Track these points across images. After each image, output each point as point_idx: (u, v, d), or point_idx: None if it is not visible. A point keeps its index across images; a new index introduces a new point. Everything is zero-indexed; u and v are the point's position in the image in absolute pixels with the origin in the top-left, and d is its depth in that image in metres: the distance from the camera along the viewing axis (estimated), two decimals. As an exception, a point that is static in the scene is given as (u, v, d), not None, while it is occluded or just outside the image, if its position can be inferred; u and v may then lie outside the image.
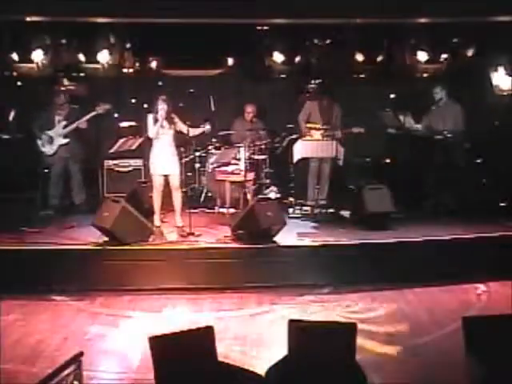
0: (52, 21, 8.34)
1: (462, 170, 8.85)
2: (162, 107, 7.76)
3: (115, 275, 7.06)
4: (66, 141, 8.80)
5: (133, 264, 7.12)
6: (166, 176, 7.94)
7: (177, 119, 7.89)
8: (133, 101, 9.71)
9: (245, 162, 8.60)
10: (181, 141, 8.23)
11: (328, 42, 9.40)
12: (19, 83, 9.57)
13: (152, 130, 7.81)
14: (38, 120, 8.89)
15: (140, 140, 8.68)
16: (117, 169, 9.65)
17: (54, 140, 8.77)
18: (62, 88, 9.38)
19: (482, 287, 7.09)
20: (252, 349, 5.65)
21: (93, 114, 8.72)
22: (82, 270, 7.06)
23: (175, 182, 7.96)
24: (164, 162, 7.87)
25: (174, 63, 9.56)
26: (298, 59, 9.61)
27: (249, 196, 8.85)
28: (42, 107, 9.05)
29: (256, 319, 6.38)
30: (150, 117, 7.83)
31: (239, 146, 8.85)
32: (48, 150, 8.80)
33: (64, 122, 8.80)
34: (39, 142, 8.81)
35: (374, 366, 4.93)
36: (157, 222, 8.07)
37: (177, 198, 8.00)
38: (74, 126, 8.75)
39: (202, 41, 8.93)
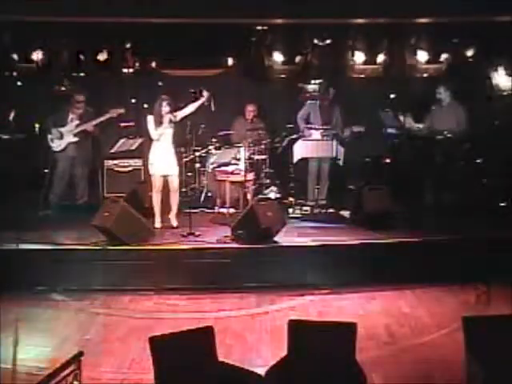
0: (52, 21, 8.34)
1: (462, 170, 8.85)
2: (164, 108, 7.75)
3: (115, 275, 7.07)
4: (75, 139, 8.81)
5: (133, 264, 7.12)
6: (165, 177, 7.94)
7: (177, 118, 7.89)
8: (133, 101, 9.71)
9: (245, 162, 8.60)
10: (181, 141, 8.23)
11: (328, 42, 9.41)
12: (19, 83, 9.57)
13: (155, 132, 7.79)
14: (53, 115, 8.92)
15: (140, 140, 8.68)
16: (117, 169, 9.66)
17: (64, 137, 8.79)
18: (63, 87, 9.44)
19: (481, 287, 7.08)
20: (252, 349, 5.65)
21: (106, 116, 8.77)
22: (82, 270, 7.06)
23: (174, 182, 7.96)
24: (165, 162, 7.87)
25: (174, 63, 9.56)
26: (298, 59, 9.62)
27: (249, 196, 8.84)
28: (59, 103, 9.09)
29: (256, 319, 6.38)
30: (151, 118, 7.82)
31: (239, 146, 8.85)
32: (56, 145, 8.82)
33: (77, 121, 8.82)
34: (49, 137, 8.83)
35: (374, 366, 4.93)
36: (157, 223, 8.05)
37: (174, 199, 8.01)
38: (86, 125, 8.79)
39: (202, 41, 8.93)
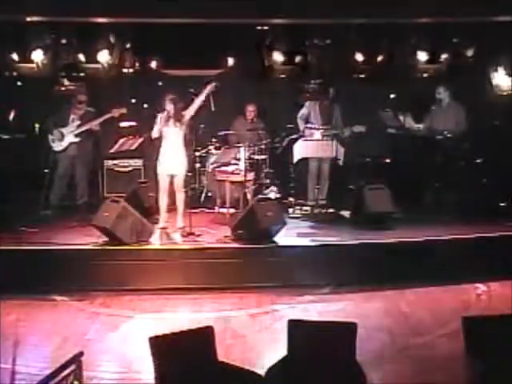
0: (52, 21, 8.34)
1: (462, 170, 8.85)
2: (169, 108, 7.73)
3: (115, 275, 7.06)
4: (76, 139, 8.79)
5: (133, 264, 7.12)
6: (172, 176, 7.91)
7: (187, 116, 7.83)
8: (133, 101, 9.70)
9: (245, 162, 8.60)
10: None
11: (328, 42, 9.41)
12: (19, 83, 9.57)
13: (155, 129, 7.78)
14: (54, 115, 8.89)
15: (140, 140, 8.67)
16: (117, 169, 9.66)
17: (65, 137, 8.76)
18: (63, 87, 9.45)
19: (482, 287, 7.09)
20: (252, 349, 5.65)
21: (108, 116, 8.72)
22: (82, 270, 7.05)
23: (180, 182, 7.93)
24: (172, 162, 7.82)
25: (173, 63, 9.56)
26: (298, 59, 9.62)
27: (249, 196, 8.84)
28: (59, 103, 9.07)
29: (256, 319, 6.38)
30: (159, 117, 7.80)
31: (239, 146, 8.85)
32: (57, 146, 8.79)
33: (78, 122, 8.80)
34: (50, 138, 8.80)
35: (374, 366, 4.93)
36: (162, 223, 8.01)
37: (180, 199, 7.97)
38: (88, 125, 8.73)
39: (202, 41, 8.93)
